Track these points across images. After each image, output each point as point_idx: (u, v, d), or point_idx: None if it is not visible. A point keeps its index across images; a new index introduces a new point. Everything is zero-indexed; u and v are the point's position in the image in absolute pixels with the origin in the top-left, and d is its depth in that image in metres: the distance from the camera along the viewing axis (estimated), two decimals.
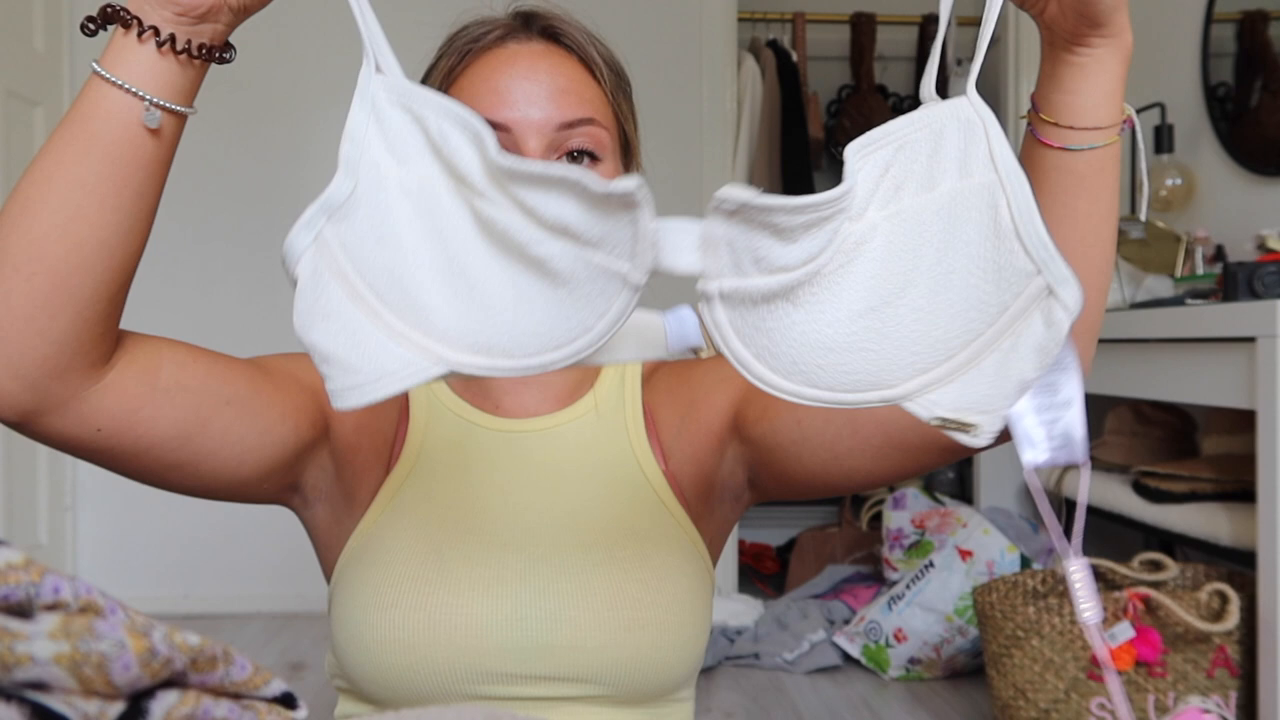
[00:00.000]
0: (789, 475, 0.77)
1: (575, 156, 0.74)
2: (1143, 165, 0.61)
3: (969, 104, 0.47)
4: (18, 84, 2.64)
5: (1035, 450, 0.47)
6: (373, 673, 0.74)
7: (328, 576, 0.81)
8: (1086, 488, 0.44)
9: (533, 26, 0.77)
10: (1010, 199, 0.45)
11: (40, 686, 0.28)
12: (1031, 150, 0.61)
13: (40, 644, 0.28)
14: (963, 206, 0.46)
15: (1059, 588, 2.01)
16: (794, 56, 3.31)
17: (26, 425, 0.59)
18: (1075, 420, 0.48)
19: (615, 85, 0.78)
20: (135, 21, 0.54)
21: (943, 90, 3.92)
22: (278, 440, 0.71)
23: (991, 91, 3.63)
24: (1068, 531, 0.48)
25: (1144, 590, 1.72)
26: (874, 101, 3.64)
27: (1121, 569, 1.91)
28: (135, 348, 0.63)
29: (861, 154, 0.46)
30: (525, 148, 0.72)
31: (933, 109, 0.47)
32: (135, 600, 2.61)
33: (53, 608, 0.29)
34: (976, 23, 3.72)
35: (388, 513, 0.77)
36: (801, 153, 3.21)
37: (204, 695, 0.33)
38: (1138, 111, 2.68)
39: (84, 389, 0.59)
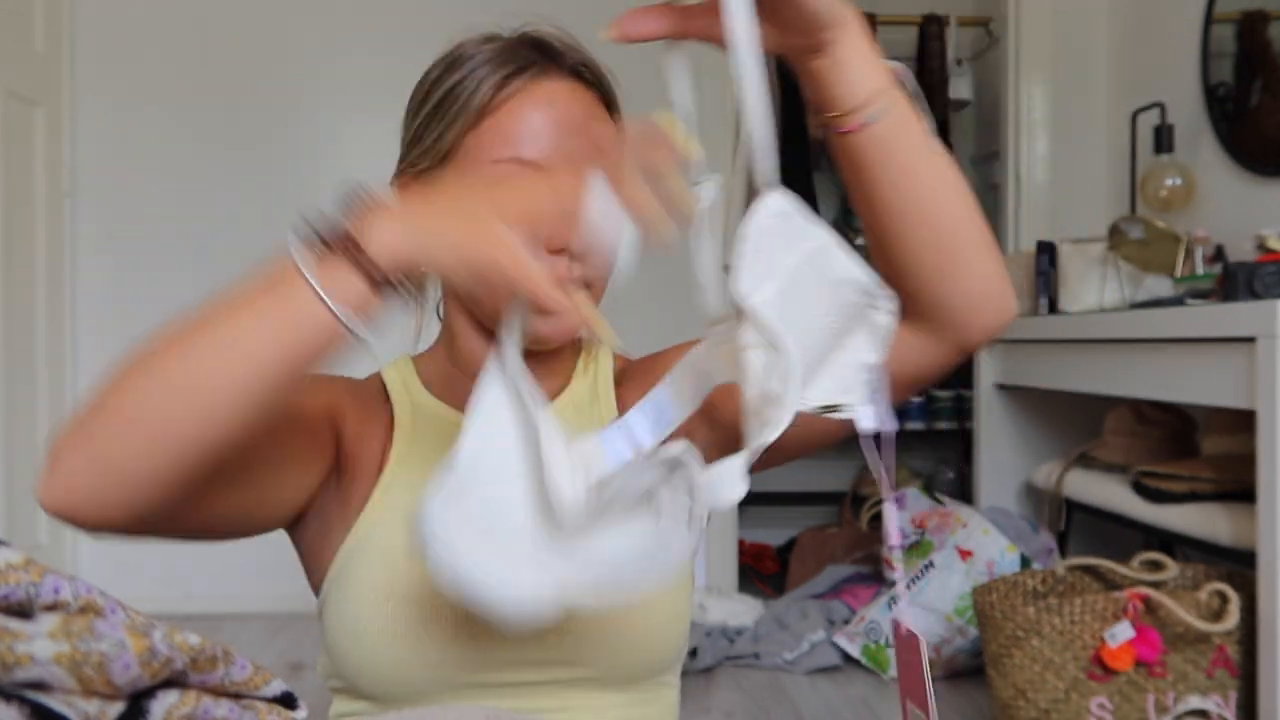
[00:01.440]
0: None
1: None
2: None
3: (781, 197, 0.59)
4: (18, 84, 2.64)
5: (870, 419, 0.62)
6: (370, 666, 0.75)
7: (315, 587, 0.82)
8: (893, 447, 0.60)
9: (562, 64, 0.78)
10: (833, 259, 0.59)
11: (41, 686, 0.28)
12: (843, 146, 0.66)
13: (40, 644, 0.28)
14: (803, 276, 0.58)
15: (1059, 587, 2.01)
16: None
17: (87, 528, 0.61)
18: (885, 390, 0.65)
19: (617, 113, 0.80)
20: (366, 260, 0.55)
21: (943, 89, 3.89)
22: (314, 483, 0.78)
23: (991, 91, 3.63)
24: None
25: (1144, 590, 1.72)
26: None
27: (1121, 569, 1.91)
28: None
29: (756, 288, 0.57)
30: None
31: (756, 216, 0.58)
32: (135, 600, 2.59)
33: (53, 608, 0.28)
34: (976, 23, 3.72)
35: (379, 511, 0.79)
36: (801, 153, 3.21)
37: (204, 695, 0.33)
38: (1139, 111, 2.65)
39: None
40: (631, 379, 0.87)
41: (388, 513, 0.78)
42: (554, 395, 0.86)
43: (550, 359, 0.84)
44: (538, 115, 0.74)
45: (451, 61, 0.78)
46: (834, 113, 0.63)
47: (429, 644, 0.74)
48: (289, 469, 0.74)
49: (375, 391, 0.85)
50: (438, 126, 0.77)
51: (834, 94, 0.62)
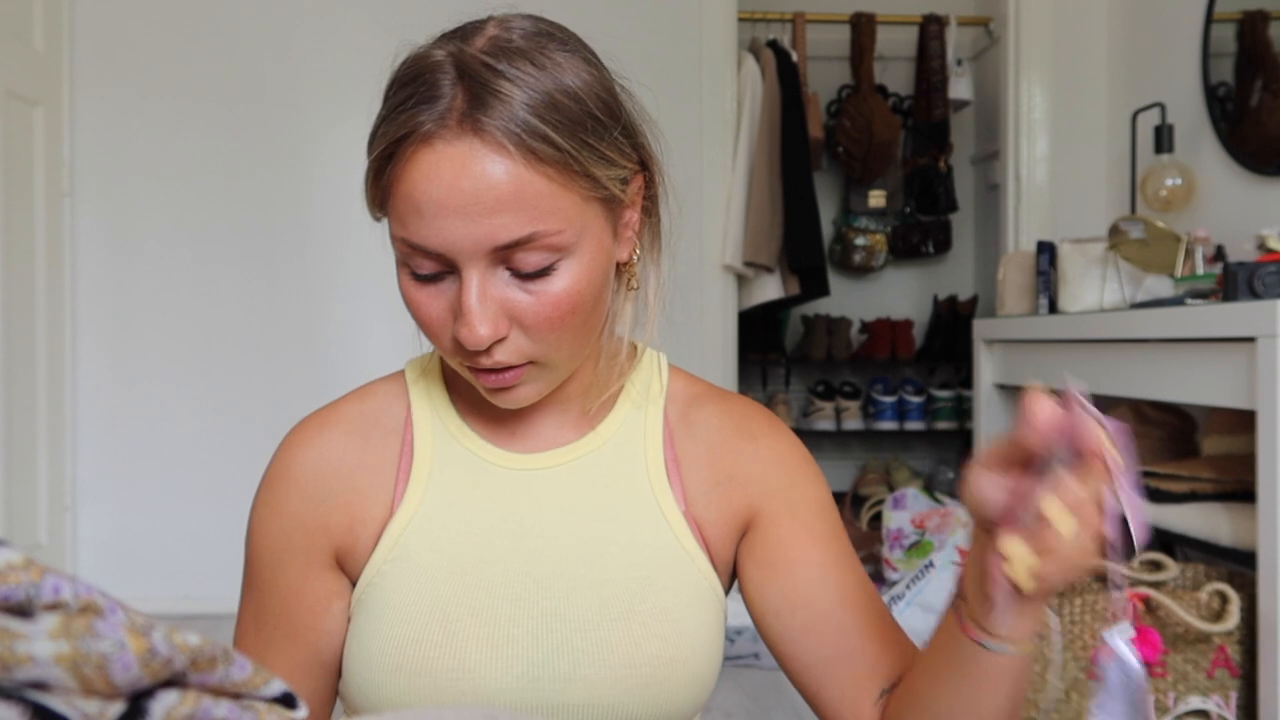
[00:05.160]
0: (756, 615, 0.79)
1: (528, 276, 0.65)
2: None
3: None
4: (18, 84, 2.64)
5: None
6: None
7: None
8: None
9: (465, 117, 0.63)
10: None
11: (41, 686, 0.28)
12: (949, 625, 0.66)
13: (41, 644, 0.28)
14: None
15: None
16: (794, 56, 3.31)
17: None
18: None
19: (577, 145, 0.64)
20: None
21: (943, 90, 3.89)
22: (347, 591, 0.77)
23: (991, 91, 3.63)
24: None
25: (1144, 590, 1.72)
26: (874, 101, 3.64)
27: (1122, 569, 1.91)
28: None
29: None
30: (466, 278, 0.65)
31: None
32: (135, 600, 2.61)
33: (53, 608, 0.28)
34: (976, 23, 3.72)
35: (391, 561, 0.74)
36: (801, 153, 3.21)
37: (204, 695, 0.33)
38: (1139, 111, 2.63)
39: None
40: (699, 424, 0.80)
41: (398, 565, 0.73)
42: (598, 420, 0.79)
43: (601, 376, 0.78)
44: (419, 196, 0.63)
45: (381, 110, 0.67)
46: (974, 619, 0.64)
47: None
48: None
49: (390, 404, 0.79)
50: (371, 190, 0.68)
51: (989, 617, 0.63)
